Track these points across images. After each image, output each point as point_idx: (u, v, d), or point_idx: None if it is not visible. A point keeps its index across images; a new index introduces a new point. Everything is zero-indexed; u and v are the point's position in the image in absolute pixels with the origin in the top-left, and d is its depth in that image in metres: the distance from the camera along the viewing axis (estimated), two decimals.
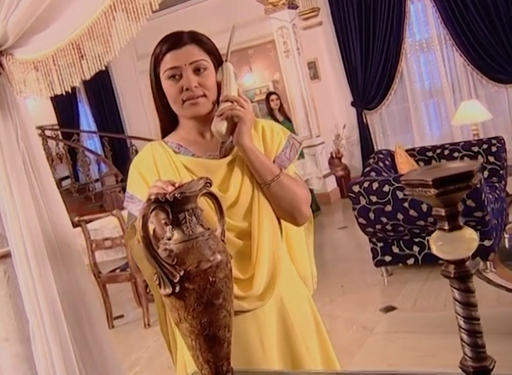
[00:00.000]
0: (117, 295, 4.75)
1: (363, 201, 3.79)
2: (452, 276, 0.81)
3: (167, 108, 1.40)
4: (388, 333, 3.25)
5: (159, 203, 0.93)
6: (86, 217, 4.15)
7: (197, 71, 1.35)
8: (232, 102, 1.35)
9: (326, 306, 3.85)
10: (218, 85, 1.39)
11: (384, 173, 4.11)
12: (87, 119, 9.88)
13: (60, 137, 9.18)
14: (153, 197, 0.92)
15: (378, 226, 3.82)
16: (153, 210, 0.93)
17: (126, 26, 0.85)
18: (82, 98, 9.69)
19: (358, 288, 4.08)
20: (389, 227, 3.80)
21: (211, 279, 0.94)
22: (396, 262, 4.03)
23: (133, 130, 9.27)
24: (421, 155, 4.71)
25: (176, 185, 1.04)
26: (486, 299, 3.45)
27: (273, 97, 6.56)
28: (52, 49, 1.01)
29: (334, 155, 7.61)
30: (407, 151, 4.72)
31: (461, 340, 0.83)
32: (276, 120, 6.22)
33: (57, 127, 9.18)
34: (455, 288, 0.81)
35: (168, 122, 1.46)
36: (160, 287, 0.93)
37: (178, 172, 1.37)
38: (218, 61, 1.41)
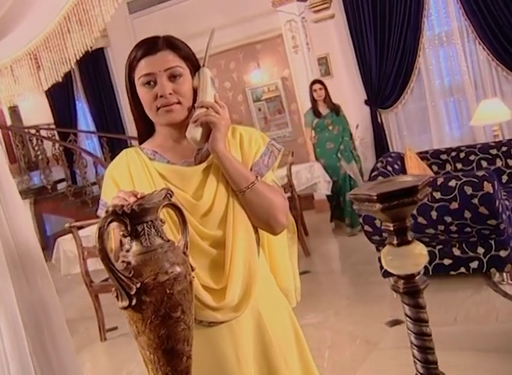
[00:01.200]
0: (111, 306, 4.84)
1: None
2: (401, 291, 0.86)
3: (143, 115, 1.48)
4: (392, 349, 3.29)
5: (116, 215, 1.00)
6: (77, 223, 4.24)
7: (172, 78, 1.42)
8: (207, 108, 1.42)
9: (330, 319, 3.90)
10: (195, 91, 1.46)
11: None
12: (85, 119, 10.01)
13: (57, 136, 9.31)
14: (110, 209, 0.99)
15: (385, 234, 3.87)
16: (110, 222, 1.00)
17: (81, 36, 0.92)
18: (80, 95, 9.82)
19: (365, 300, 4.13)
20: None
21: (168, 291, 1.01)
22: None
23: (134, 131, 9.33)
24: (435, 158, 4.73)
25: (138, 196, 1.11)
26: (501, 313, 3.47)
27: (316, 86, 6.26)
28: (10, 59, 1.08)
29: None
30: (419, 153, 4.75)
31: (413, 356, 0.89)
32: (318, 113, 6.20)
33: (53, 126, 9.32)
34: (405, 303, 0.86)
35: (145, 128, 1.54)
36: (117, 299, 1.00)
37: (152, 179, 1.44)
38: (194, 67, 1.48)
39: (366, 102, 7.80)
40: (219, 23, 7.84)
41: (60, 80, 1.11)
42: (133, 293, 0.98)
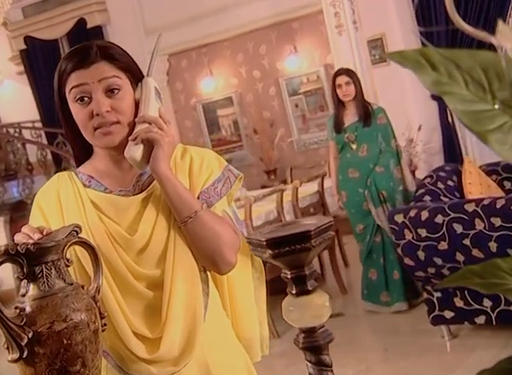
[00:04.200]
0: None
1: (409, 236, 3.92)
2: (300, 346, 1.00)
3: (79, 134, 1.63)
4: None
5: (10, 255, 1.16)
6: None
7: (110, 92, 1.57)
8: (149, 123, 1.58)
9: None
10: (137, 104, 1.62)
11: (444, 198, 4.23)
12: None
13: (43, 138, 9.62)
14: (2, 248, 1.16)
15: (432, 270, 3.94)
16: (2, 262, 1.16)
17: None
18: None
19: (407, 354, 4.20)
20: (446, 272, 3.91)
21: (65, 342, 1.16)
22: (461, 319, 4.12)
23: None
24: (509, 172, 4.77)
25: (45, 232, 1.27)
26: None
27: (341, 79, 5.07)
28: None
29: None
30: (488, 166, 4.79)
31: None
32: (338, 123, 5.11)
33: (39, 125, 9.64)
34: (307, 361, 1.00)
35: (81, 149, 1.70)
36: (8, 351, 1.16)
37: (84, 209, 1.61)
38: (136, 77, 1.64)
39: (433, 97, 7.82)
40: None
41: None
42: (24, 344, 1.14)
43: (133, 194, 1.63)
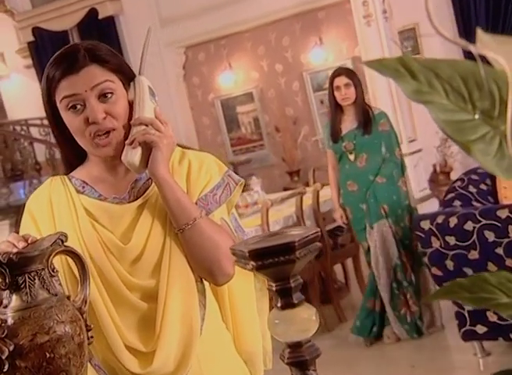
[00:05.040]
0: None
1: (436, 244, 3.93)
2: (286, 361, 1.04)
3: (70, 141, 1.68)
4: None
5: None
6: None
7: (103, 97, 1.62)
8: (146, 125, 1.62)
9: None
10: (131, 105, 1.67)
11: (475, 203, 4.23)
12: None
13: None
14: None
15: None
16: None
17: None
18: None
19: (436, 371, 4.21)
20: None
21: (48, 355, 1.21)
22: (494, 335, 4.11)
23: None
24: None
25: (29, 241, 1.33)
26: None
27: (340, 81, 4.80)
28: None
29: (439, 169, 7.70)
30: None
31: None
32: (335, 132, 4.88)
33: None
34: None
35: (74, 154, 1.75)
36: None
37: (77, 216, 1.66)
38: (128, 77, 1.69)
39: None
40: None
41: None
42: (4, 357, 1.20)
43: (128, 202, 1.68)
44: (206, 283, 1.70)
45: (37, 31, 9.81)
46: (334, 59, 8.69)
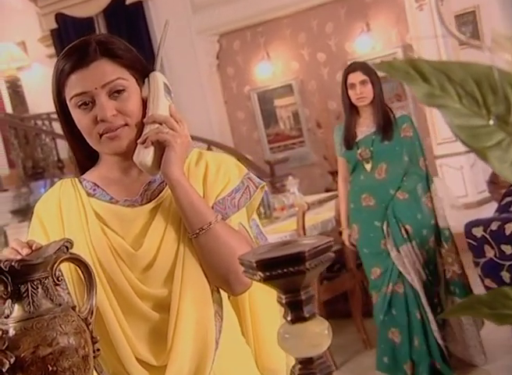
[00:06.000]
0: None
1: (490, 253, 3.92)
2: None
3: (81, 140, 1.74)
4: None
5: None
6: None
7: (114, 93, 1.67)
8: (160, 124, 1.67)
9: None
10: (145, 103, 1.72)
11: None
12: None
13: None
14: None
15: None
16: None
17: None
18: None
19: None
20: None
21: (50, 368, 1.26)
22: None
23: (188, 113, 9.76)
24: None
25: (34, 247, 1.38)
26: None
27: (354, 77, 4.55)
28: None
29: None
30: None
31: None
32: (350, 133, 4.62)
33: None
34: None
35: (85, 155, 1.81)
36: None
37: (86, 221, 1.71)
38: (142, 73, 1.74)
39: None
40: None
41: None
42: (5, 370, 1.24)
43: (140, 205, 1.72)
44: (224, 293, 1.73)
45: (60, 18, 9.94)
46: (382, 48, 8.65)
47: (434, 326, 4.32)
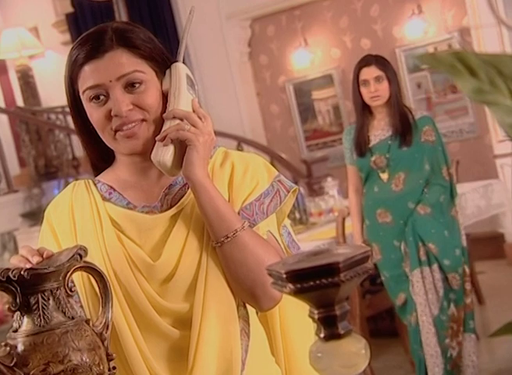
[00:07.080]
0: None
1: None
2: None
3: (95, 138, 1.76)
4: None
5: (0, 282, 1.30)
6: None
7: (130, 86, 1.69)
8: (181, 120, 1.68)
9: None
10: (166, 97, 1.73)
11: None
12: None
13: None
14: None
15: None
16: None
17: None
18: None
19: None
20: None
21: None
22: None
23: (215, 121, 9.76)
24: None
25: (45, 255, 1.41)
26: None
27: (368, 73, 4.41)
28: None
29: None
30: None
31: None
32: (363, 138, 4.46)
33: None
34: None
35: (100, 155, 1.83)
36: None
37: (101, 227, 1.73)
38: (164, 66, 1.76)
39: None
40: None
41: None
42: None
43: (160, 211, 1.75)
44: (251, 309, 1.74)
45: (76, 1, 9.98)
46: (436, 32, 8.52)
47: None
